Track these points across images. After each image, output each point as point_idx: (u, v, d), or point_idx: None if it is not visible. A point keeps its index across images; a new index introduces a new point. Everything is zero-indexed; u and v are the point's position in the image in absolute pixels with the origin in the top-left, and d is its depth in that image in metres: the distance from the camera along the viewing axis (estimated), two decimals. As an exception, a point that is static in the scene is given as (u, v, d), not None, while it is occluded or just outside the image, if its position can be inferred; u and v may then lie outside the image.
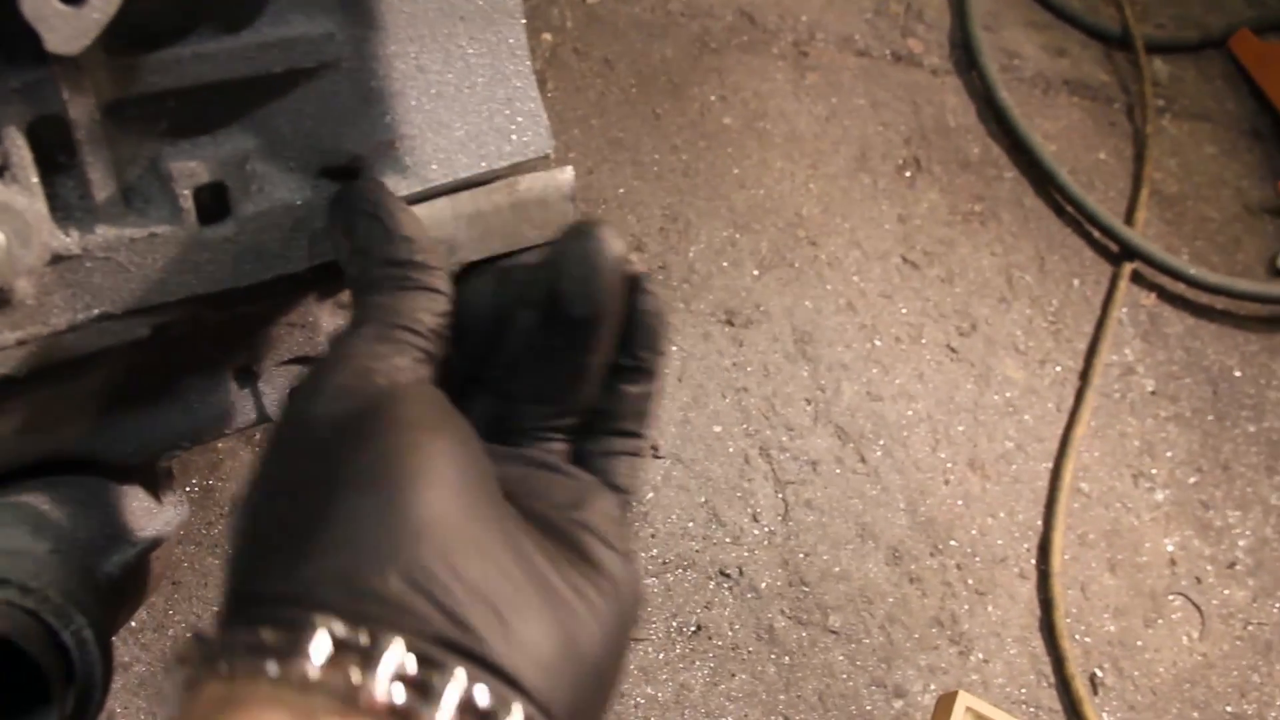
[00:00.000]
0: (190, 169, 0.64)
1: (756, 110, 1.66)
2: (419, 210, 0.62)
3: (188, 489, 1.17)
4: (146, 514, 0.76)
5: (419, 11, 0.61)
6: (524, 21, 0.65)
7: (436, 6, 0.62)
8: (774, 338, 1.48)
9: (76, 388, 0.71)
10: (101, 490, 0.74)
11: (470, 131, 0.63)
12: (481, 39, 0.64)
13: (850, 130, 1.71)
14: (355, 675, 0.39)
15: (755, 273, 1.52)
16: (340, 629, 0.40)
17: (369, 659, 0.39)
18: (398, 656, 0.40)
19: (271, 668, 0.40)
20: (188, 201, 0.64)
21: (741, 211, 1.56)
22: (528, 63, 0.65)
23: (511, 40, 0.64)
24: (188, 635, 0.43)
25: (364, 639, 0.40)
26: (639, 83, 1.61)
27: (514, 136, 0.64)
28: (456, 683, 0.40)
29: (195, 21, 0.63)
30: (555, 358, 0.56)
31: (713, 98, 1.65)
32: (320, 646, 0.40)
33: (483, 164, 0.63)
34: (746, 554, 1.32)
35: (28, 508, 0.68)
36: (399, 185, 0.61)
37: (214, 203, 0.65)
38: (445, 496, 0.44)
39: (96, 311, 0.65)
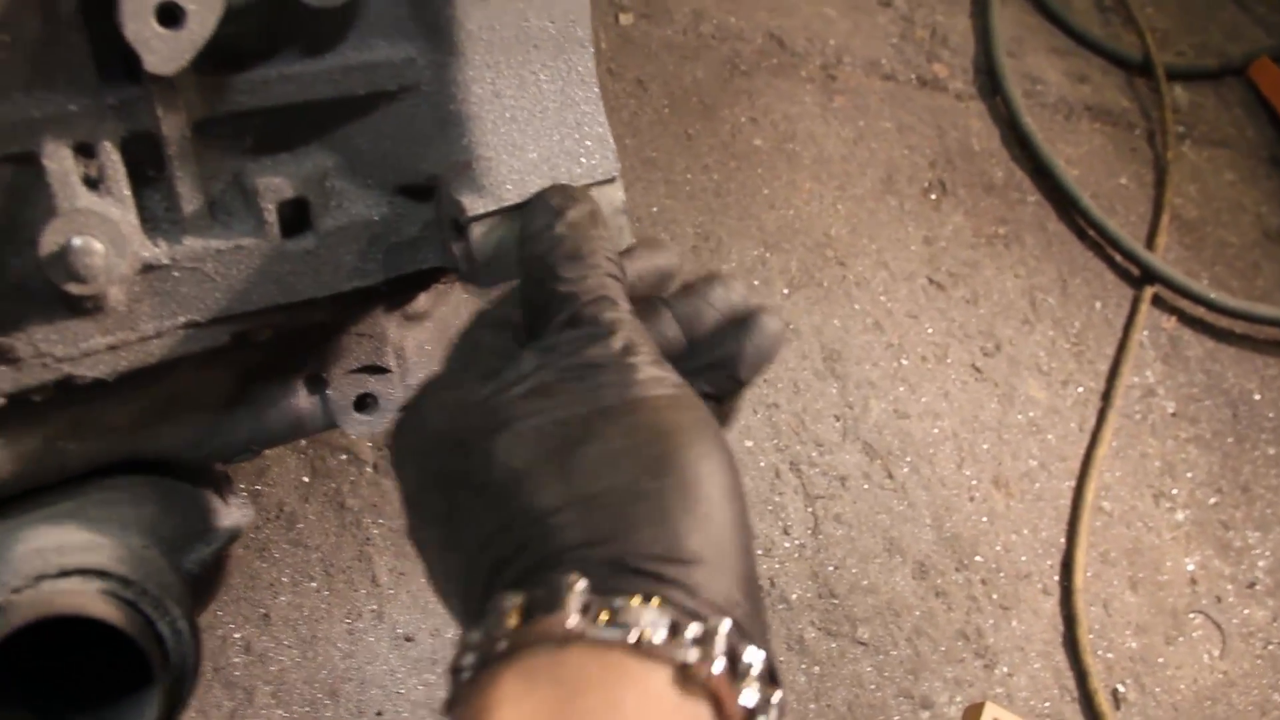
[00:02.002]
0: (275, 184, 0.67)
1: (786, 132, 1.70)
2: (477, 232, 0.65)
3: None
4: (218, 514, 0.79)
5: (496, 39, 0.65)
6: (593, 50, 0.68)
7: (512, 35, 0.65)
8: (804, 355, 1.50)
9: (158, 392, 0.74)
10: (176, 490, 0.77)
11: (542, 154, 0.66)
12: (553, 66, 0.67)
13: (877, 153, 1.74)
14: (732, 688, 0.46)
15: (785, 291, 1.55)
16: (733, 635, 0.47)
17: (742, 673, 0.47)
18: (760, 667, 0.47)
19: (685, 653, 0.46)
20: (271, 215, 0.67)
21: (771, 231, 1.59)
22: (596, 89, 0.68)
23: (581, 68, 0.68)
24: (570, 580, 0.47)
25: (741, 647, 0.47)
26: (671, 103, 1.65)
27: (583, 159, 0.67)
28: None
29: (281, 44, 0.66)
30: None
31: (743, 119, 1.68)
32: (720, 646, 0.46)
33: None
34: (778, 566, 1.35)
35: (115, 506, 0.71)
36: (476, 204, 0.64)
37: (295, 217, 0.68)
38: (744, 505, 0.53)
39: (183, 319, 0.68)
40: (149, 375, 0.71)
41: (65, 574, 0.60)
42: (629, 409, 0.53)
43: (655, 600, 0.47)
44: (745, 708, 0.46)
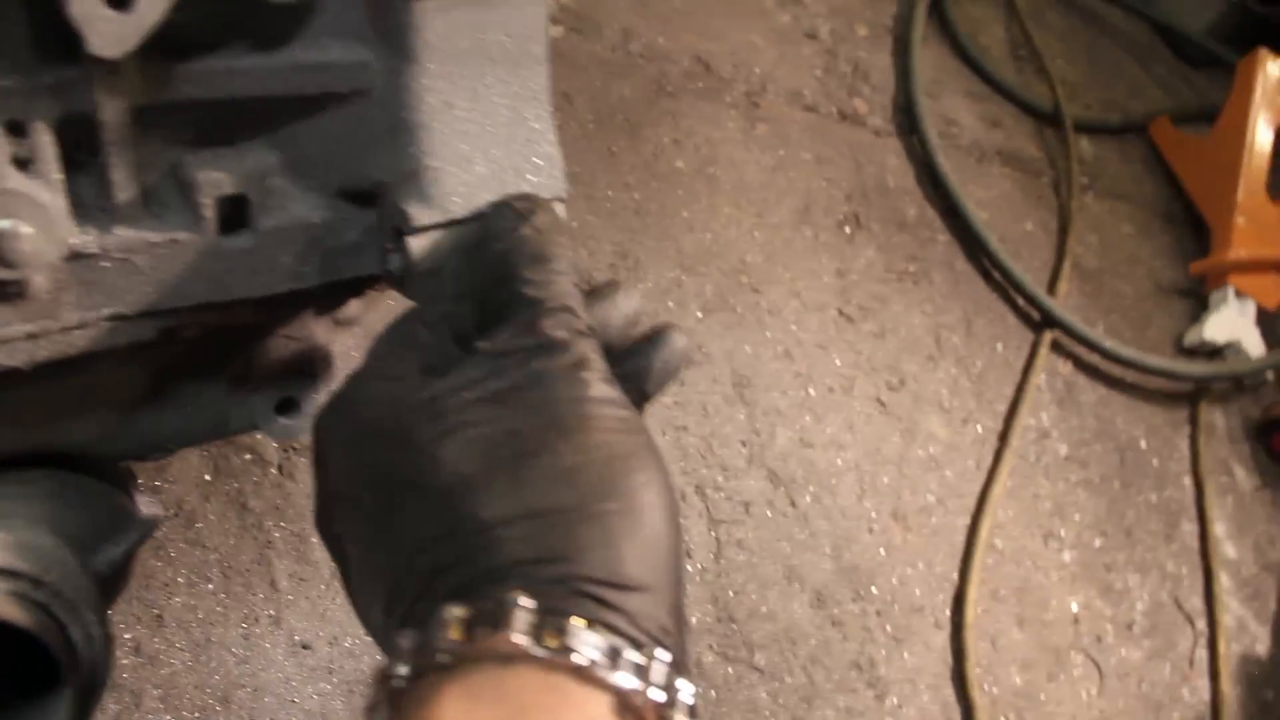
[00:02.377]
0: (215, 179, 0.65)
1: (708, 156, 1.71)
2: (416, 242, 0.64)
3: (128, 490, 1.16)
4: (128, 513, 0.76)
5: (452, 50, 0.64)
6: (547, 69, 0.67)
7: (469, 47, 0.64)
8: (714, 379, 1.51)
9: (76, 383, 0.71)
10: (85, 486, 0.74)
11: (491, 169, 0.66)
12: (508, 81, 0.66)
13: (795, 183, 1.76)
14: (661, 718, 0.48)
15: (699, 315, 1.56)
16: (669, 666, 0.48)
17: (671, 703, 0.48)
18: (690, 700, 0.49)
19: (626, 680, 0.47)
20: (209, 210, 0.65)
21: (689, 254, 1.60)
22: (548, 107, 0.68)
23: (534, 85, 0.67)
24: (517, 597, 0.48)
25: (673, 677, 0.48)
26: (596, 119, 1.64)
27: (530, 177, 0.67)
28: None
29: (232, 36, 0.64)
30: None
31: (667, 140, 1.69)
32: (657, 676, 0.48)
33: (501, 201, 0.65)
34: (678, 589, 1.35)
35: (22, 500, 0.68)
36: (421, 215, 0.63)
37: (233, 214, 0.66)
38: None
39: (108, 311, 0.66)
40: (66, 366, 0.68)
41: (-28, 573, 0.57)
42: (581, 427, 0.53)
43: (598, 625, 0.47)
44: None
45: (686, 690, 0.48)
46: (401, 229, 0.64)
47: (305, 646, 1.16)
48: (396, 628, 0.51)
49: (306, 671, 1.15)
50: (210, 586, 1.15)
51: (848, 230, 1.77)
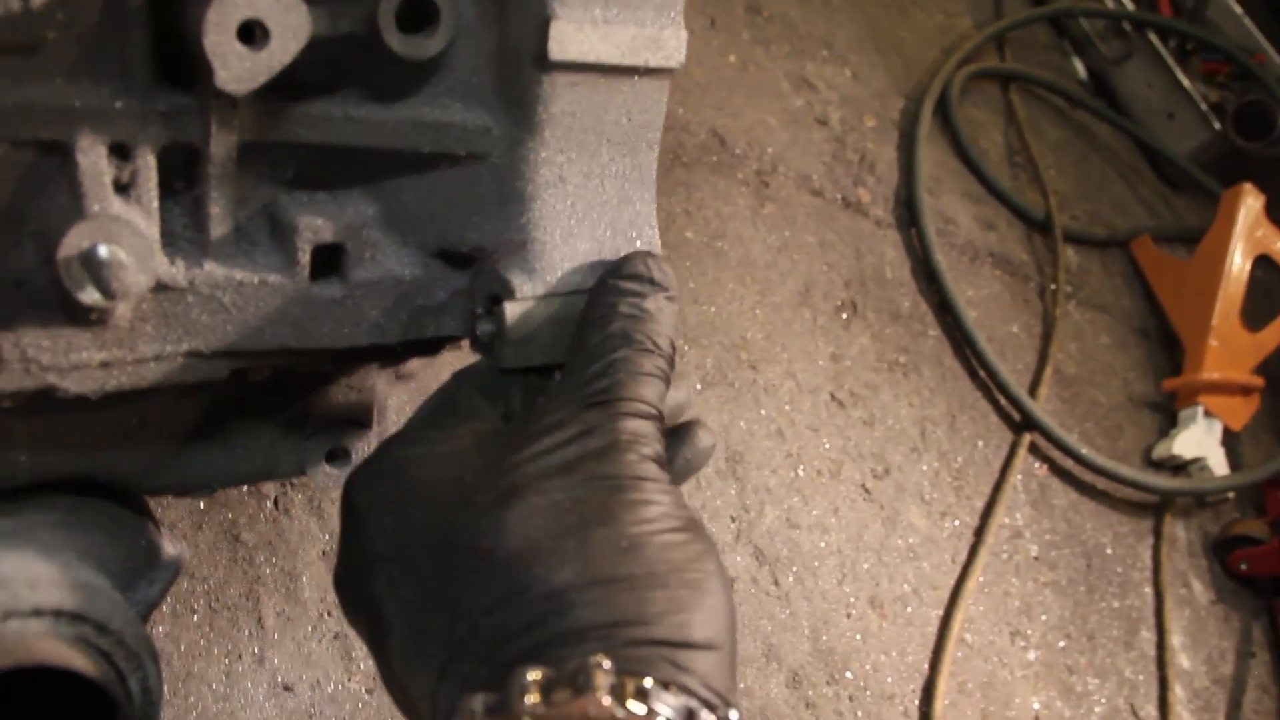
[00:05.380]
0: (316, 225, 0.65)
1: (717, 230, 1.73)
2: (512, 309, 0.64)
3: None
4: (160, 548, 0.75)
5: (575, 126, 0.64)
6: (657, 153, 0.68)
7: (590, 125, 0.65)
8: (709, 451, 1.52)
9: (131, 413, 0.71)
10: (123, 520, 0.73)
11: (593, 247, 0.66)
12: (620, 163, 0.67)
13: (798, 265, 1.79)
14: None
15: (698, 387, 1.57)
16: None
17: None
18: None
19: None
20: (305, 256, 0.65)
21: (693, 325, 1.62)
22: (653, 193, 0.69)
23: (645, 169, 0.68)
24: (598, 660, 0.48)
25: None
26: (614, 184, 1.67)
27: None
28: None
29: (349, 82, 0.64)
30: None
31: (679, 210, 1.71)
32: None
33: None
34: (661, 659, 1.35)
35: (64, 530, 0.66)
36: (524, 285, 0.64)
37: (325, 261, 0.67)
38: None
39: (186, 346, 0.65)
40: (126, 395, 0.67)
41: (38, 613, 0.56)
42: (643, 502, 0.55)
43: (674, 687, 0.49)
44: None
45: None
46: (500, 296, 0.64)
47: (287, 688, 1.15)
48: (460, 691, 0.52)
49: (286, 715, 1.13)
50: (195, 619, 1.14)
51: (845, 316, 1.80)
